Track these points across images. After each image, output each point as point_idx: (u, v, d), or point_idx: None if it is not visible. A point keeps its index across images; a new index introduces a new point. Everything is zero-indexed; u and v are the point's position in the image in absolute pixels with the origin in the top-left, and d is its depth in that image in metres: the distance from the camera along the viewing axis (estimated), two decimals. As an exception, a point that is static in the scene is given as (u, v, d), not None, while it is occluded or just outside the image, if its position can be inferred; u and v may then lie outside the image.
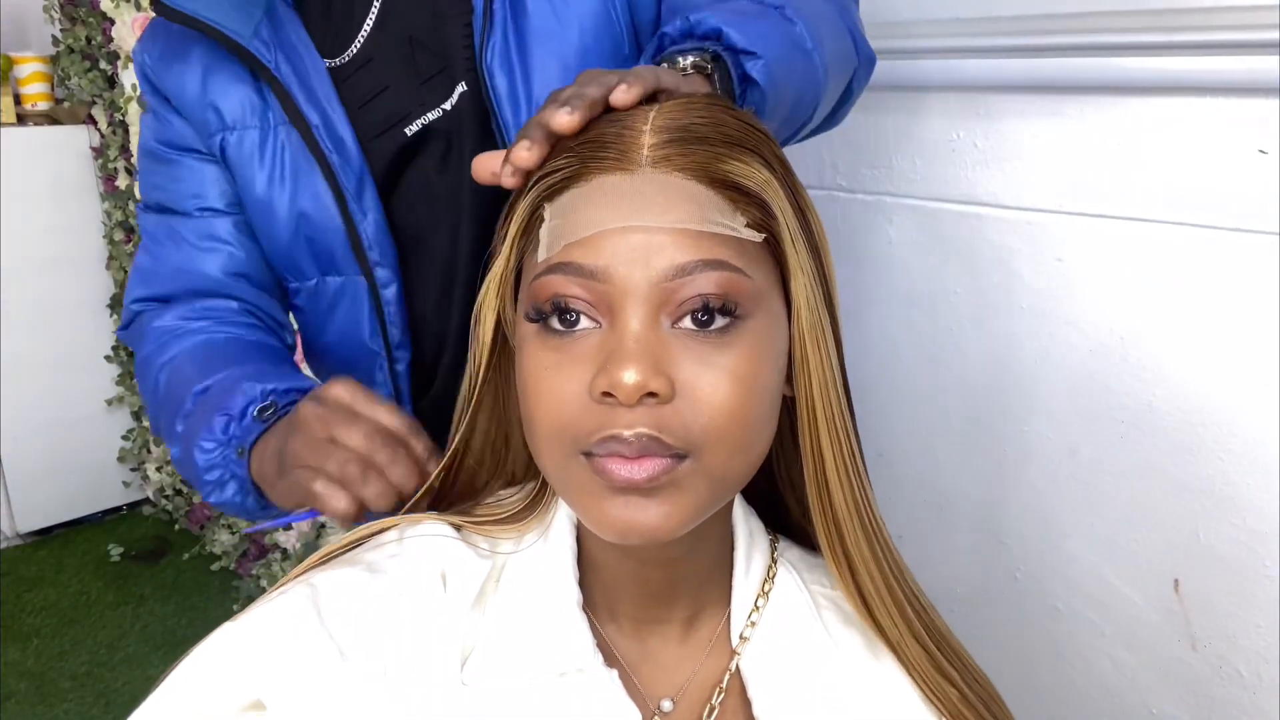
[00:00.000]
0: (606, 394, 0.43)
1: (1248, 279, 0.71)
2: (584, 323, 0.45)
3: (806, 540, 0.60)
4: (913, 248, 0.91)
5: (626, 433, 0.43)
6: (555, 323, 0.45)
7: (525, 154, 0.46)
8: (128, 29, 2.23)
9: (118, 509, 2.86)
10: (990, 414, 0.89)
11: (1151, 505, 0.80)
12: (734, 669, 0.54)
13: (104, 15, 2.34)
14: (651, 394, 0.43)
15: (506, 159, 0.47)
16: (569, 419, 0.44)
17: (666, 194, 0.44)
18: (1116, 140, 0.76)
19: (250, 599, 2.27)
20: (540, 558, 0.54)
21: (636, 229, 0.44)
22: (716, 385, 0.44)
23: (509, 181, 0.47)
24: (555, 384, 0.45)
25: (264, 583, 2.23)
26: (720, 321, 0.45)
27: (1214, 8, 0.67)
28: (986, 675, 0.58)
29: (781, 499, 0.59)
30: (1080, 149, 0.78)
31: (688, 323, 0.45)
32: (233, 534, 2.36)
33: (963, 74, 0.82)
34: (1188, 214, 0.74)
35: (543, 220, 0.46)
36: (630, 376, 0.42)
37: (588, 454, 0.44)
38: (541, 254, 0.45)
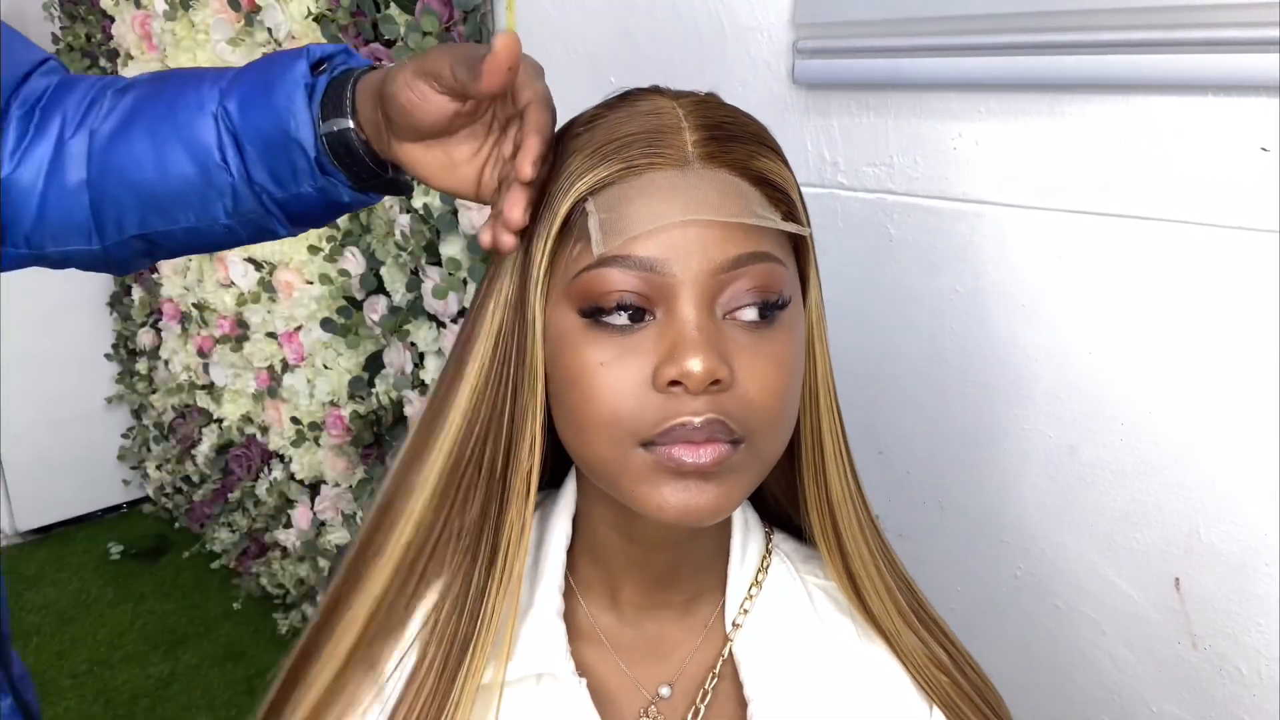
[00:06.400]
0: (674, 383, 0.44)
1: (1248, 277, 0.71)
2: (640, 315, 0.46)
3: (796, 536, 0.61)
4: (913, 246, 0.91)
5: (696, 420, 0.44)
6: (614, 317, 0.45)
7: (519, 216, 0.47)
8: (128, 26, 2.23)
9: (118, 507, 2.86)
10: (990, 413, 0.89)
11: (1151, 504, 0.80)
12: (728, 654, 0.55)
13: (104, 13, 2.34)
14: (716, 381, 0.44)
15: (496, 223, 0.48)
16: (628, 411, 0.45)
17: (719, 189, 0.46)
18: (1117, 138, 0.76)
19: (250, 597, 2.28)
20: (531, 564, 0.55)
21: (694, 222, 0.45)
22: (767, 372, 0.46)
23: (509, 244, 0.48)
24: (613, 378, 0.45)
25: (263, 580, 2.22)
26: (771, 312, 0.47)
27: (1215, 5, 0.67)
28: (979, 663, 0.59)
29: (764, 490, 0.60)
30: (1080, 147, 0.78)
31: (745, 314, 0.46)
32: (232, 532, 2.36)
33: (964, 72, 0.82)
34: (1188, 212, 0.74)
35: (584, 215, 0.46)
36: (698, 364, 0.43)
37: (647, 443, 0.45)
38: (596, 248, 0.45)
